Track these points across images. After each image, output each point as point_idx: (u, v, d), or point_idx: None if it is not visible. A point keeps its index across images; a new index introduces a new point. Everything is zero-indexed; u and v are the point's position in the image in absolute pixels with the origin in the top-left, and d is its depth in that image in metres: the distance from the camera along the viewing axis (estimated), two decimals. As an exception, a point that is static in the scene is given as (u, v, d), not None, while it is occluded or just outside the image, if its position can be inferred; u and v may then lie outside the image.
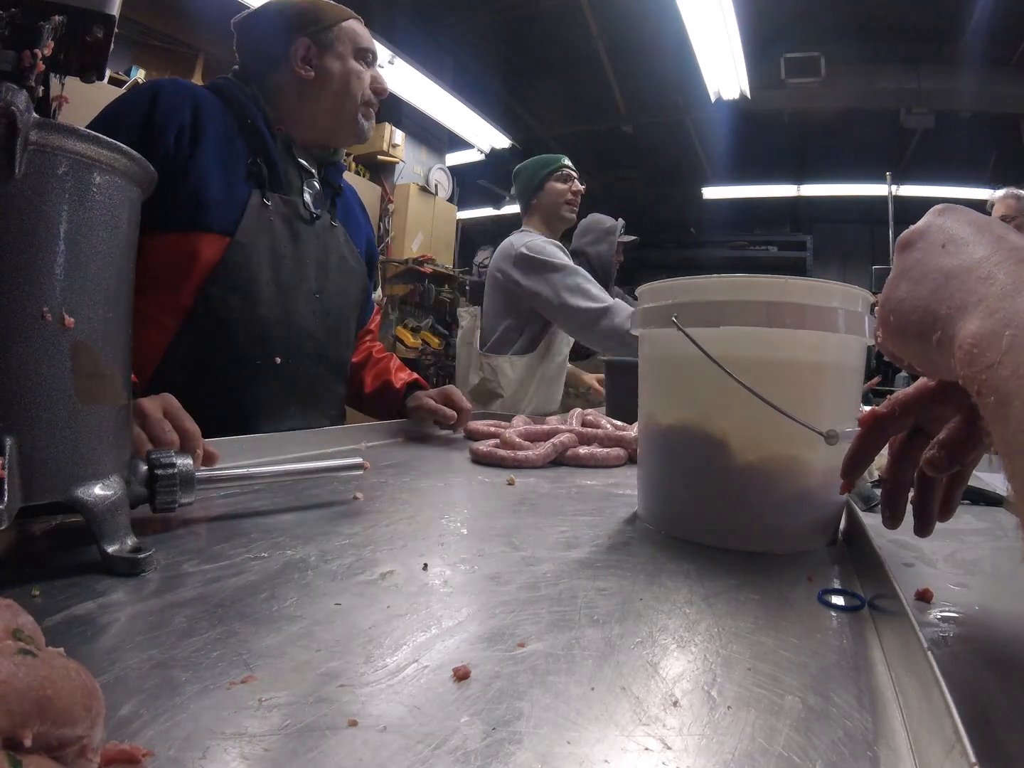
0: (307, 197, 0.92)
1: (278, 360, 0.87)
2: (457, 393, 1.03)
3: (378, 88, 0.96)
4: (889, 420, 0.37)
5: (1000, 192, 2.13)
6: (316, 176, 0.95)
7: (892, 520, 0.38)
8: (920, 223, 0.32)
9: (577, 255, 2.10)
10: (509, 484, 0.67)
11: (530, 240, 1.62)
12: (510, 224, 1.96)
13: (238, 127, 0.86)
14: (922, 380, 0.36)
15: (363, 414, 1.16)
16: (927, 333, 0.28)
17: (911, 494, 0.38)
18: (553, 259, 1.56)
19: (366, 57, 0.95)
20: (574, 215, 1.75)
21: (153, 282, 0.76)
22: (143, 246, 0.73)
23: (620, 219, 2.19)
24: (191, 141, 0.80)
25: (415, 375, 1.14)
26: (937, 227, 0.30)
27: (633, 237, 2.19)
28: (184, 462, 0.45)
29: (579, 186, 1.72)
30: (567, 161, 1.75)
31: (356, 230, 1.05)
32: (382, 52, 2.88)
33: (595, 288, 1.52)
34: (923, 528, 0.38)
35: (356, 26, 0.95)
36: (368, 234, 1.13)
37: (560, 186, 1.71)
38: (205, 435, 0.60)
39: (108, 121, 0.78)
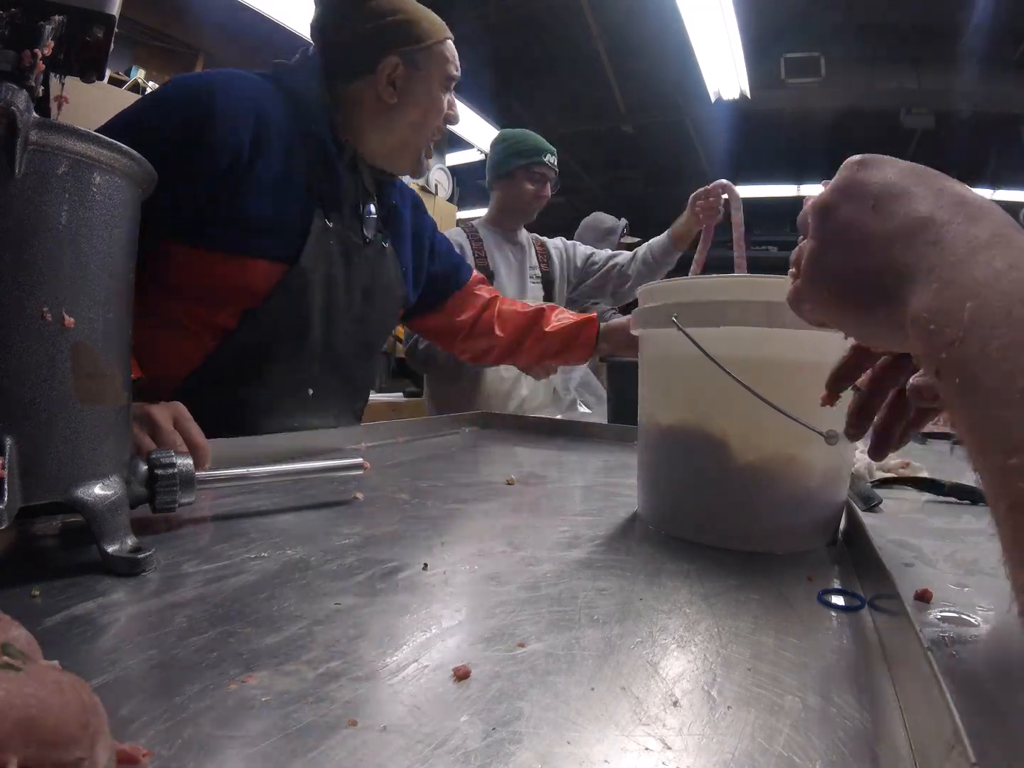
0: (366, 222, 0.86)
1: (310, 392, 0.85)
2: None
3: (451, 116, 0.89)
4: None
5: None
6: (375, 198, 0.88)
7: (856, 431, 0.36)
8: (837, 180, 0.28)
9: None
10: (508, 484, 0.67)
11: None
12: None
13: (301, 133, 0.77)
14: None
15: (536, 359, 1.15)
16: (871, 307, 0.26)
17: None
18: None
19: (451, 85, 0.87)
20: (534, 215, 1.62)
21: (195, 296, 0.74)
22: (185, 257, 0.73)
23: (623, 219, 2.17)
24: (249, 160, 0.71)
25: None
26: (860, 183, 0.27)
27: (636, 239, 2.15)
28: (184, 462, 0.45)
29: (548, 192, 1.56)
30: (549, 158, 1.56)
31: (403, 250, 0.98)
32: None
33: None
34: (881, 450, 0.35)
35: (449, 47, 0.86)
36: (431, 232, 1.06)
37: (529, 187, 1.54)
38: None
39: (141, 124, 0.68)
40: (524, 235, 1.68)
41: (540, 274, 1.72)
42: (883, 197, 0.25)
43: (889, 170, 0.26)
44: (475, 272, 1.15)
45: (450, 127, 0.91)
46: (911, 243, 0.23)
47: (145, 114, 0.69)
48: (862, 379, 0.36)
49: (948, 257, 0.21)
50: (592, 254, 1.75)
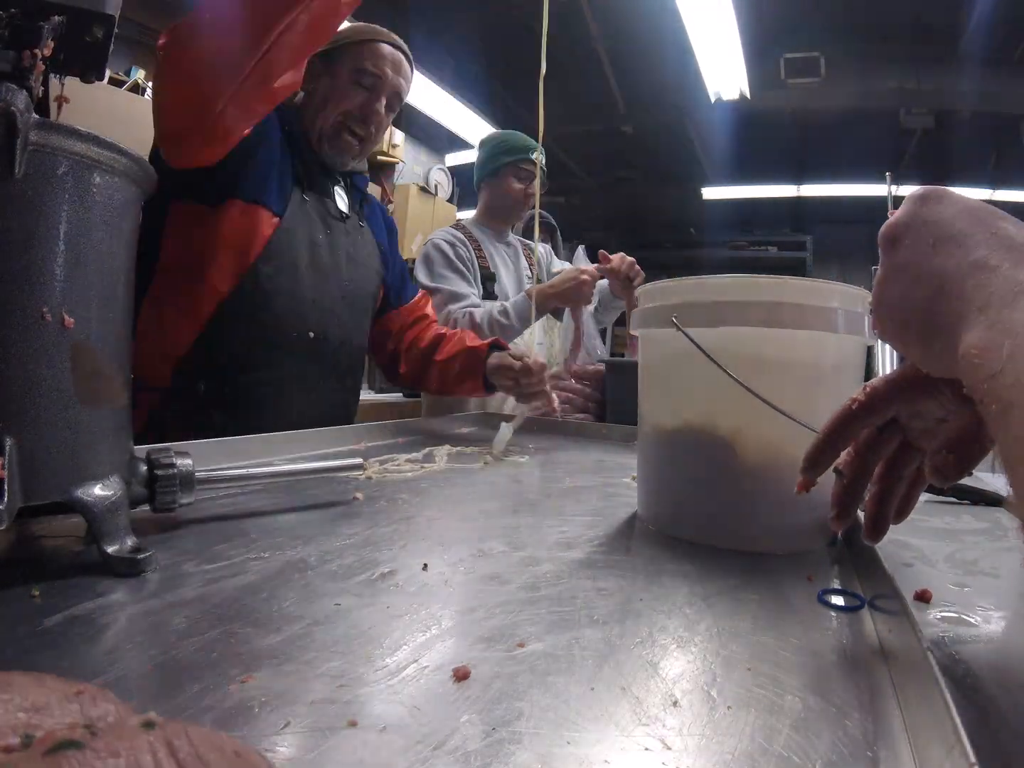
0: (338, 199, 1.02)
1: (312, 335, 0.95)
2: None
3: (368, 111, 0.97)
4: (864, 412, 0.33)
5: None
6: (340, 182, 1.05)
7: (841, 520, 0.35)
8: (903, 214, 0.30)
9: None
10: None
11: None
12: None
13: (283, 133, 0.96)
14: (906, 369, 0.32)
15: (444, 394, 1.19)
16: (928, 341, 0.28)
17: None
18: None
19: (361, 80, 0.96)
20: (523, 215, 1.59)
21: (187, 265, 0.85)
22: (207, 218, 0.86)
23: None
24: (263, 131, 0.87)
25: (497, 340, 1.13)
26: (922, 220, 0.29)
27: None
28: (184, 462, 0.45)
29: (533, 188, 1.46)
30: (536, 155, 1.43)
31: (379, 231, 1.14)
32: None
33: None
34: (877, 533, 0.34)
35: (368, 49, 0.96)
36: (390, 245, 1.18)
37: (516, 184, 1.52)
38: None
39: None
40: (512, 236, 1.68)
41: (530, 276, 1.71)
42: (942, 238, 0.27)
43: (949, 209, 0.28)
44: (421, 292, 1.24)
45: (366, 121, 0.98)
46: (965, 284, 0.25)
47: None
48: (842, 460, 0.35)
49: (995, 300, 0.24)
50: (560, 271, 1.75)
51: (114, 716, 0.15)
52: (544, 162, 1.53)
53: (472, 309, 1.36)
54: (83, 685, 0.15)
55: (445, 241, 1.52)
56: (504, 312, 1.33)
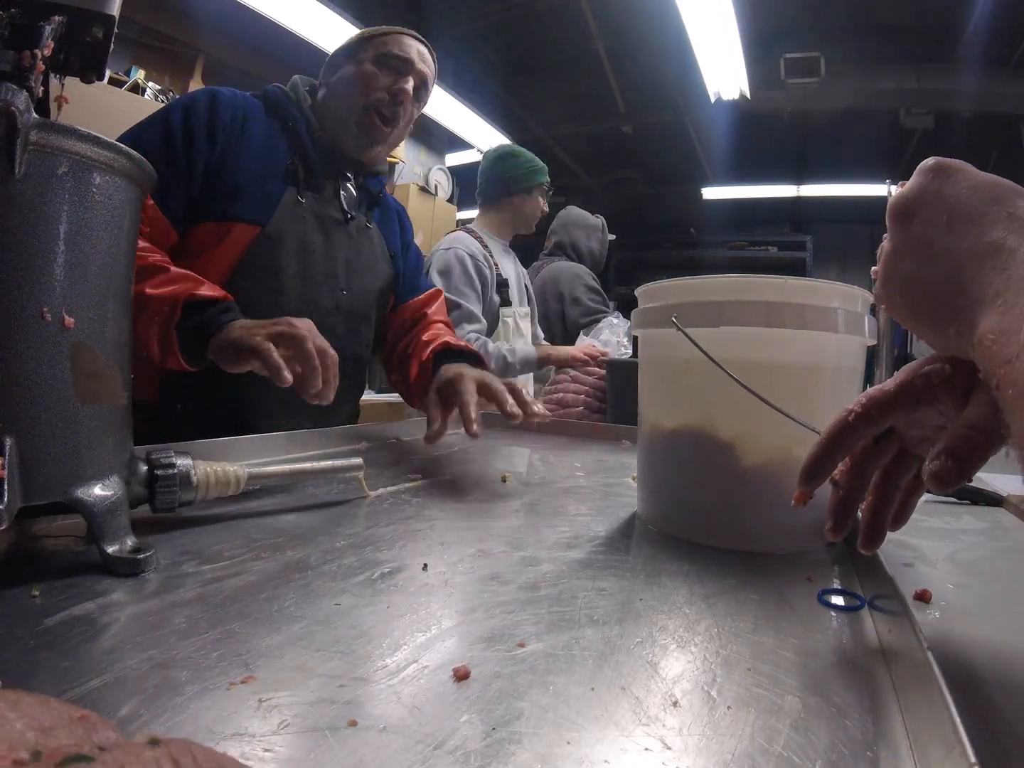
0: (342, 199, 0.95)
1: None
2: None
3: (396, 90, 0.92)
4: (862, 423, 0.32)
5: None
6: (352, 181, 0.98)
7: (837, 531, 0.34)
8: (915, 187, 0.29)
9: (569, 248, 2.10)
10: (503, 480, 0.67)
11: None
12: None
13: (280, 130, 0.91)
14: (903, 378, 0.32)
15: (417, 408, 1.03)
16: (942, 324, 0.27)
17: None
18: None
19: (388, 62, 0.92)
20: (533, 227, 1.77)
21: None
22: (178, 242, 0.81)
23: (599, 215, 2.20)
24: (237, 142, 0.85)
25: (452, 340, 0.97)
26: (936, 194, 0.28)
27: (612, 236, 2.20)
28: (184, 462, 0.45)
29: (546, 209, 1.74)
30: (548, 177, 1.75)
31: (392, 236, 1.06)
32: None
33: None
34: (874, 542, 0.34)
35: (392, 38, 0.93)
36: (408, 243, 1.12)
37: (542, 202, 1.71)
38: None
39: (170, 122, 0.81)
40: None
41: (527, 283, 1.78)
42: (957, 215, 0.26)
43: (965, 184, 0.27)
44: (434, 289, 1.13)
45: (396, 100, 0.93)
46: (982, 267, 0.25)
47: (160, 120, 0.83)
48: (838, 470, 0.34)
49: (1013, 284, 0.23)
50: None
51: (115, 741, 0.15)
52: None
53: (487, 340, 1.53)
54: (86, 711, 0.15)
55: (468, 254, 1.57)
56: (512, 352, 1.54)
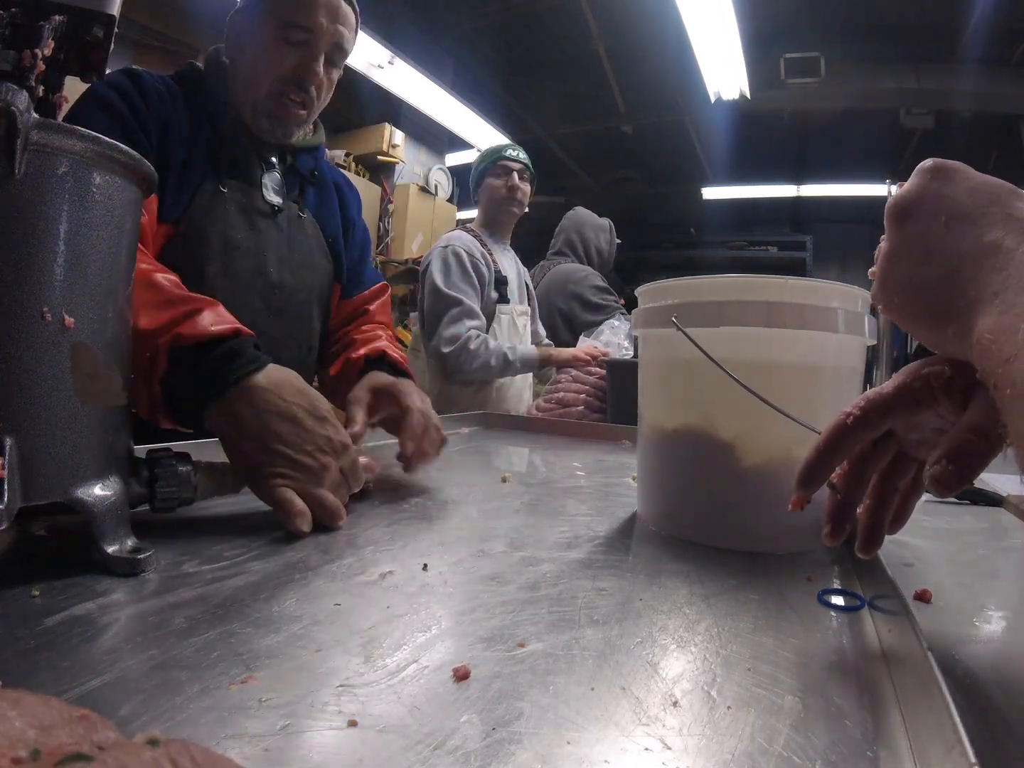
0: (266, 189, 0.84)
1: None
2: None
3: (302, 75, 0.79)
4: (860, 426, 0.31)
5: None
6: (276, 166, 0.86)
7: (835, 535, 0.33)
8: (913, 188, 0.29)
9: (579, 246, 2.10)
10: (503, 481, 0.67)
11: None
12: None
13: (201, 116, 0.80)
14: (902, 380, 0.31)
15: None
16: (940, 324, 0.27)
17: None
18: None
19: (290, 36, 0.78)
20: (516, 210, 1.66)
21: None
22: None
23: (605, 218, 2.20)
24: (160, 138, 0.75)
25: (390, 350, 0.85)
26: (934, 196, 0.28)
27: (619, 240, 2.21)
28: (184, 462, 0.45)
29: (516, 180, 1.61)
30: (510, 152, 1.65)
31: (329, 219, 0.94)
32: (381, 52, 2.88)
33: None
34: (872, 546, 0.33)
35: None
36: (352, 222, 1.00)
37: (496, 182, 1.63)
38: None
39: (112, 107, 0.71)
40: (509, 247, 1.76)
41: (528, 282, 1.78)
42: (955, 215, 0.27)
43: (963, 185, 0.27)
44: (381, 284, 1.02)
45: (303, 85, 0.81)
46: (980, 267, 0.25)
47: (90, 108, 0.72)
48: (836, 473, 0.34)
49: (1011, 284, 0.23)
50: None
51: (115, 741, 0.15)
52: (521, 156, 1.67)
53: (488, 338, 1.52)
54: (86, 711, 0.15)
55: (465, 250, 1.57)
56: (513, 350, 1.52)
